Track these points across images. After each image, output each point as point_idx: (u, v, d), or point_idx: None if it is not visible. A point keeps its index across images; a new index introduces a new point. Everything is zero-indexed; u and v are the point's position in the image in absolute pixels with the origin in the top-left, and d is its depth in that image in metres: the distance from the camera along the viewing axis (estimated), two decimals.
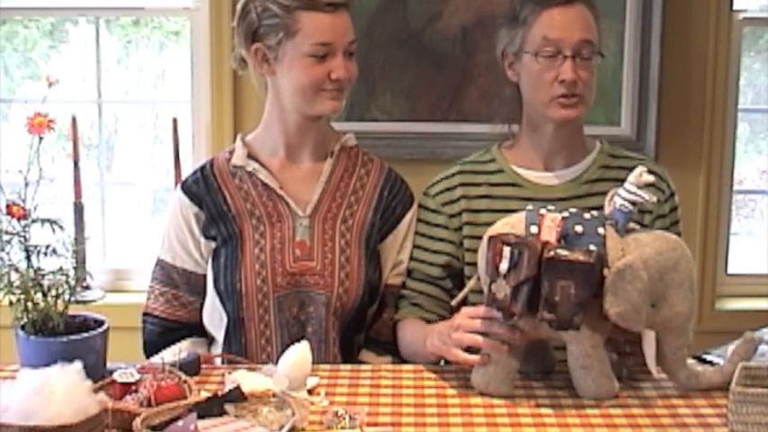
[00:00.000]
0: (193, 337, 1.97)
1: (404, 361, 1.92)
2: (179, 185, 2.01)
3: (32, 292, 1.58)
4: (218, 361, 1.86)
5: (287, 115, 1.92)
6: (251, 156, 1.95)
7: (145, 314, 1.98)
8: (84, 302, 2.68)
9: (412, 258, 1.98)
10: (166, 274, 1.97)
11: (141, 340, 1.99)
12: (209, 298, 1.95)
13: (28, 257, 1.59)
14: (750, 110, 3.18)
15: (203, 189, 1.95)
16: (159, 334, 1.96)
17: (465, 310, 1.72)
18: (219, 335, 1.94)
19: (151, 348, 1.96)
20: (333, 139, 1.99)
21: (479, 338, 1.66)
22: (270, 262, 1.88)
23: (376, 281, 1.96)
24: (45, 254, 1.60)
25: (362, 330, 1.97)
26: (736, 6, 2.90)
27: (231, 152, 1.97)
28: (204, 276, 1.95)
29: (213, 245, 1.93)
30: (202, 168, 1.99)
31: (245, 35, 1.89)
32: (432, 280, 1.96)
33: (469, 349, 1.68)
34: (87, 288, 2.88)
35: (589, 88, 1.87)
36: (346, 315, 1.91)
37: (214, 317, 1.95)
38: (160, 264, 1.98)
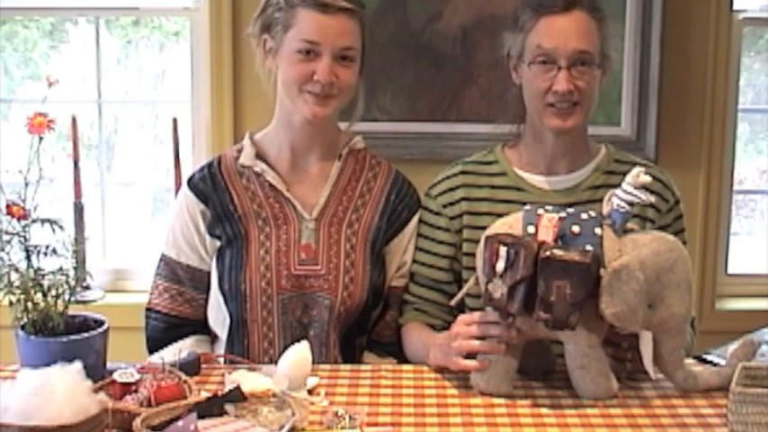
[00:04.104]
0: (197, 334, 1.97)
1: (406, 362, 1.92)
2: (186, 181, 2.00)
3: (32, 292, 1.58)
4: (219, 361, 1.86)
5: (292, 115, 1.92)
6: (259, 155, 1.95)
7: (148, 309, 1.98)
8: (84, 302, 2.68)
9: (414, 261, 1.98)
10: (171, 270, 1.97)
11: (142, 340, 1.99)
12: (213, 297, 1.95)
13: (28, 257, 1.59)
14: (750, 110, 3.17)
15: (210, 187, 1.95)
16: (163, 330, 1.96)
17: (461, 317, 1.73)
18: (224, 335, 1.94)
19: (154, 344, 1.96)
20: (342, 141, 1.99)
21: (477, 344, 1.66)
22: (275, 264, 1.88)
23: (380, 285, 1.96)
24: (45, 254, 1.60)
25: (364, 333, 1.98)
26: (736, 6, 2.90)
27: (239, 150, 1.97)
28: (209, 273, 1.95)
29: (218, 243, 1.93)
30: (210, 165, 1.98)
31: (260, 27, 1.90)
32: (435, 285, 1.95)
33: (471, 355, 1.68)
34: (87, 288, 2.88)
35: (587, 97, 1.84)
36: (349, 318, 1.91)
37: (218, 316, 1.95)
38: (164, 260, 1.98)
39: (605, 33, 1.88)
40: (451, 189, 1.96)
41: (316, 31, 1.83)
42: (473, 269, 1.79)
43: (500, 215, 1.76)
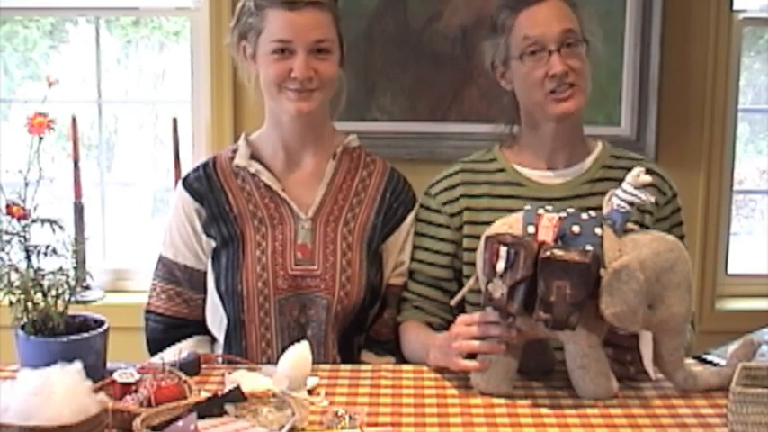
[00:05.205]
0: (197, 334, 1.97)
1: (405, 361, 1.92)
2: (180, 181, 2.01)
3: (32, 292, 1.58)
4: (219, 361, 1.86)
5: (280, 115, 1.92)
6: (254, 156, 1.95)
7: (147, 311, 1.98)
8: (84, 302, 2.68)
9: (414, 259, 1.98)
10: (168, 271, 1.97)
11: (142, 340, 1.99)
12: (209, 299, 1.95)
13: (28, 257, 1.59)
14: (750, 110, 3.17)
15: (206, 187, 1.95)
16: (162, 331, 1.96)
17: (461, 317, 1.73)
18: (221, 336, 1.94)
19: (155, 345, 1.96)
20: (336, 139, 1.99)
21: (478, 344, 1.66)
22: (271, 265, 1.88)
23: (377, 283, 1.95)
24: (45, 254, 1.60)
25: (362, 332, 1.97)
26: (736, 6, 2.90)
27: (234, 151, 1.97)
28: (206, 273, 1.95)
29: (213, 244, 1.93)
30: (205, 166, 1.99)
31: (238, 36, 1.92)
32: (434, 282, 1.95)
33: (471, 356, 1.68)
34: (87, 288, 2.88)
35: (582, 77, 1.86)
36: (347, 318, 1.91)
37: (215, 318, 1.95)
38: (162, 261, 1.98)
39: (581, 18, 1.90)
40: (451, 187, 1.97)
41: (285, 29, 1.83)
42: (474, 265, 1.80)
43: (500, 210, 1.77)
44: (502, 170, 1.96)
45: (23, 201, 1.58)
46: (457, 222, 1.95)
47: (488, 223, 1.73)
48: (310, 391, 1.60)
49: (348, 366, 1.82)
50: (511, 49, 1.88)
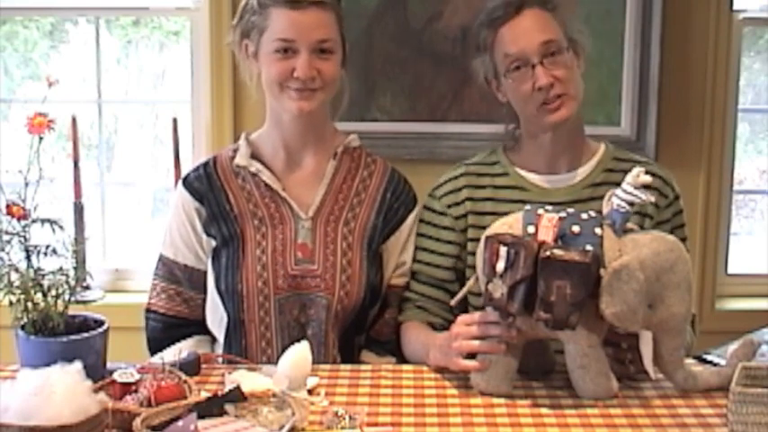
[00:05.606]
0: (197, 334, 1.97)
1: (405, 361, 1.92)
2: (180, 180, 2.01)
3: (32, 292, 1.58)
4: (219, 360, 1.86)
5: (281, 114, 1.93)
6: (254, 156, 1.95)
7: (147, 311, 1.99)
8: (84, 302, 2.68)
9: (417, 260, 1.98)
10: (168, 270, 1.97)
11: (142, 340, 1.99)
12: (210, 298, 1.95)
13: (28, 257, 1.59)
14: (750, 110, 3.17)
15: (206, 186, 1.95)
16: (162, 330, 1.97)
17: (461, 317, 1.73)
18: (221, 335, 1.94)
19: (155, 344, 1.97)
20: (337, 139, 1.99)
21: (478, 344, 1.66)
22: (271, 264, 1.88)
23: (377, 283, 1.95)
24: (45, 254, 1.60)
25: (363, 332, 1.97)
26: (736, 6, 2.90)
27: (235, 150, 1.97)
28: (206, 273, 1.95)
29: (213, 243, 1.93)
30: (205, 165, 1.99)
31: (240, 34, 1.92)
32: (438, 283, 1.96)
33: (471, 355, 1.68)
34: (87, 288, 2.87)
35: (572, 83, 1.85)
36: (347, 317, 1.91)
37: (215, 317, 1.95)
38: (162, 260, 1.98)
39: (564, 20, 1.90)
40: (456, 190, 1.97)
41: (289, 28, 1.83)
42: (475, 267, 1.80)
43: (503, 215, 1.77)
44: (505, 174, 1.97)
45: (23, 201, 1.58)
46: (462, 225, 1.95)
47: None
48: (310, 391, 1.60)
49: (348, 366, 1.82)
50: (497, 66, 1.90)
